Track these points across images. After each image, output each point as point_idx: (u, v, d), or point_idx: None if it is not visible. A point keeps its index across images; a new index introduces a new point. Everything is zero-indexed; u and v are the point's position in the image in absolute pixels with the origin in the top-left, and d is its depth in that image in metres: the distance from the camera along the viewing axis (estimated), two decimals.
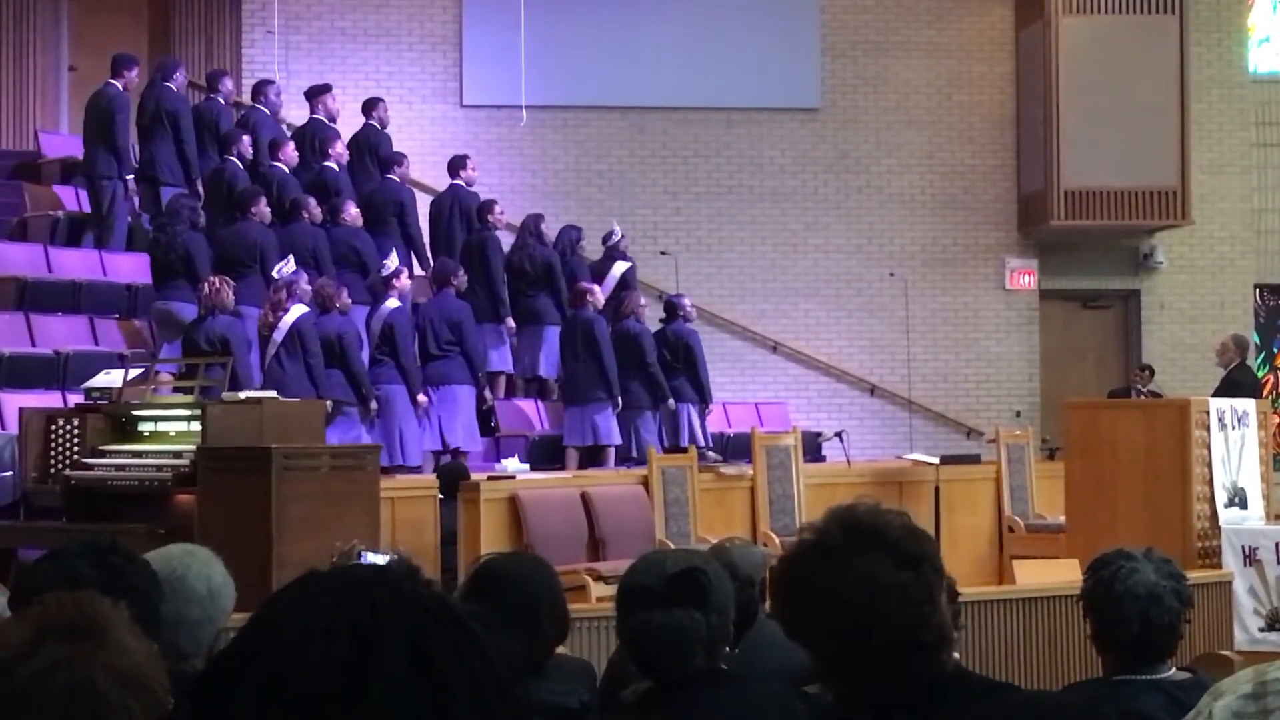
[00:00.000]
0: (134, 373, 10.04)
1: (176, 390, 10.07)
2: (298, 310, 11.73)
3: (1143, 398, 14.74)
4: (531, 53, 16.56)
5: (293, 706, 1.44)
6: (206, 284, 11.51)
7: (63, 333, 12.42)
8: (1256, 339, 17.99)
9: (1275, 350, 18.78)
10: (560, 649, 4.59)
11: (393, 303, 12.75)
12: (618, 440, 13.48)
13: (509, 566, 4.21)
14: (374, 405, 12.24)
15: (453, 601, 1.58)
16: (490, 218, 14.30)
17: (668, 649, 3.50)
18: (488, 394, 13.39)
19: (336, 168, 14.30)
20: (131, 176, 13.71)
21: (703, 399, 13.98)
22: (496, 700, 1.49)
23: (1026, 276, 17.80)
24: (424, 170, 15.95)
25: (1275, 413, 12.22)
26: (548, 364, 14.23)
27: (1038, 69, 17.30)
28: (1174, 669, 4.16)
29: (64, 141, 15.74)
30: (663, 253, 16.50)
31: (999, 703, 2.47)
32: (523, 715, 1.53)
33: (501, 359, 14.05)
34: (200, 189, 13.81)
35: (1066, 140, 17.04)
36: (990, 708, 2.44)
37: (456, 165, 14.87)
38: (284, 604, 1.53)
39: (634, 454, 13.43)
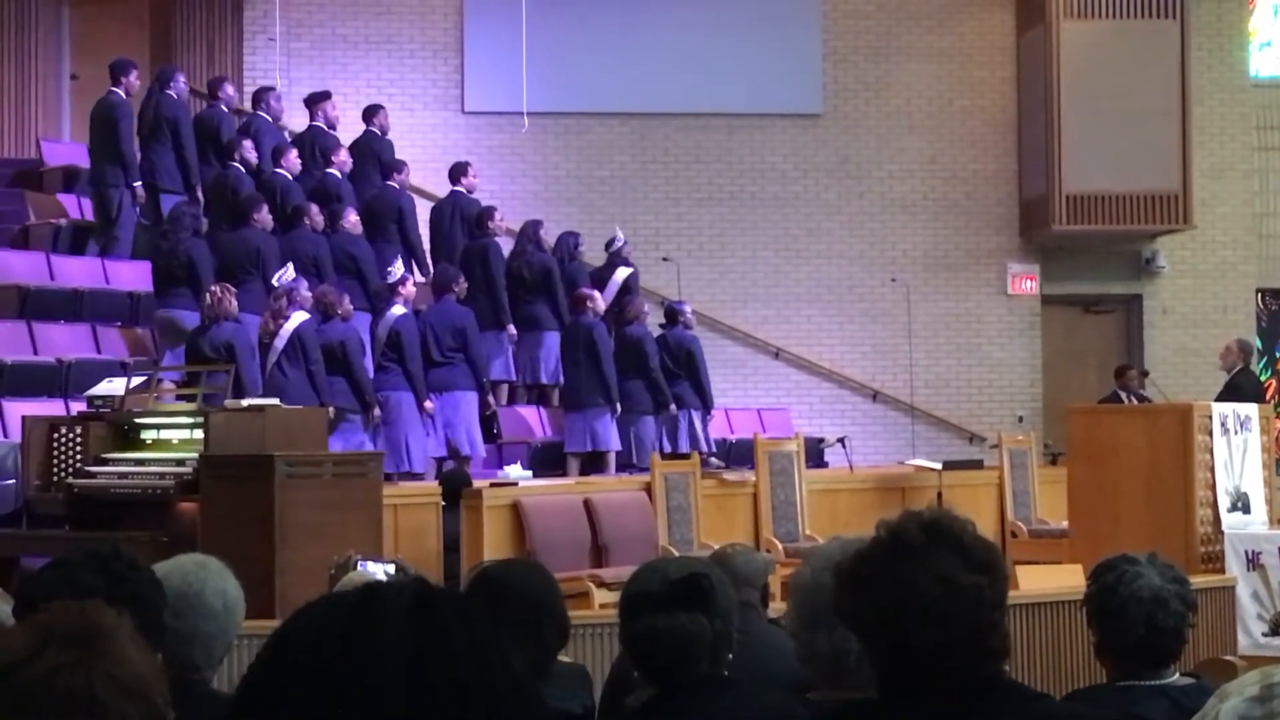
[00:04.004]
0: (136, 380, 10.04)
1: (180, 398, 10.07)
2: (299, 317, 11.72)
3: (1134, 402, 14.71)
4: (533, 59, 16.56)
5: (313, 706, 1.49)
6: (209, 293, 11.49)
7: (65, 341, 12.42)
8: (1259, 343, 17.99)
9: (1278, 354, 18.78)
10: (560, 656, 4.59)
11: (399, 309, 12.74)
12: (617, 446, 13.47)
13: (509, 574, 4.21)
14: (376, 412, 12.23)
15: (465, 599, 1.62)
16: (490, 224, 14.30)
17: (673, 653, 3.50)
18: (490, 400, 13.40)
19: (339, 175, 14.32)
20: (139, 184, 13.71)
21: (705, 405, 13.98)
22: (510, 696, 1.52)
23: (1028, 281, 17.80)
24: (425, 177, 15.96)
25: (1278, 417, 12.19)
26: (547, 370, 14.23)
27: (1039, 74, 17.31)
28: (1178, 674, 4.15)
29: (66, 149, 15.75)
30: (664, 259, 16.50)
31: (1036, 710, 2.51)
32: (536, 710, 1.56)
33: (503, 367, 14.06)
34: (200, 196, 13.82)
35: (1068, 145, 17.04)
36: (1029, 716, 2.46)
37: (458, 172, 14.89)
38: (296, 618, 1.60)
39: (634, 459, 13.43)
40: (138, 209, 13.86)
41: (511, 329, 13.98)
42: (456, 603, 1.62)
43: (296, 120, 15.41)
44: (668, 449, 13.50)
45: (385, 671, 1.56)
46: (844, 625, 2.66)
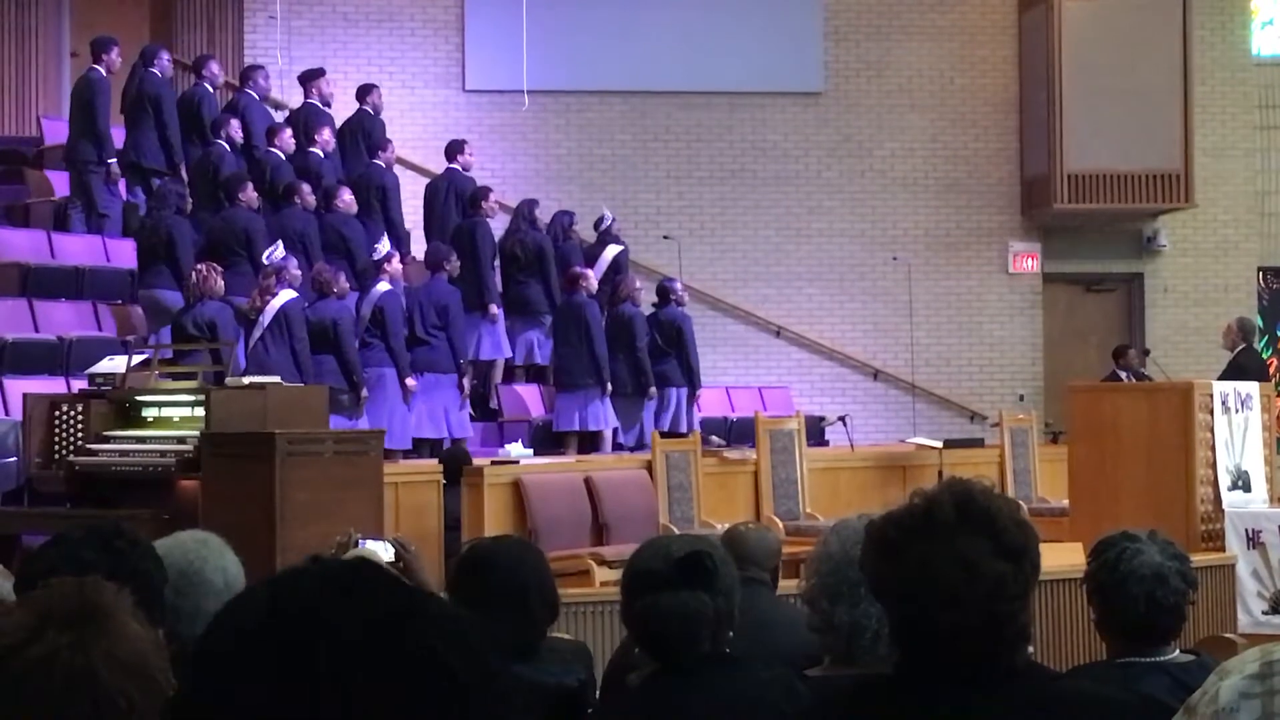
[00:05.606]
0: (138, 358, 10.04)
1: (172, 376, 10.07)
2: (286, 295, 11.68)
3: (1132, 380, 14.72)
4: (534, 37, 16.53)
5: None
6: (194, 271, 11.47)
7: (66, 318, 12.41)
8: (1260, 322, 17.98)
9: (1279, 333, 18.77)
10: (560, 633, 4.60)
11: (383, 286, 12.73)
12: (607, 426, 13.50)
13: (496, 551, 4.22)
14: (364, 393, 12.22)
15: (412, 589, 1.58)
16: (484, 204, 14.25)
17: (676, 631, 3.51)
18: (466, 382, 13.30)
19: (322, 154, 14.25)
20: (114, 161, 13.64)
21: (692, 384, 14.01)
22: (500, 676, 1.50)
23: (1030, 260, 17.79)
24: (426, 156, 15.94)
25: (1279, 396, 12.19)
26: (541, 351, 14.24)
27: (1041, 52, 17.28)
28: (1178, 651, 4.16)
29: (66, 127, 15.70)
30: (665, 237, 16.49)
31: (1051, 691, 2.49)
32: (504, 685, 1.53)
33: (494, 346, 14.02)
34: (184, 173, 13.76)
35: (1070, 123, 17.03)
36: (1036, 696, 2.45)
37: (454, 150, 14.85)
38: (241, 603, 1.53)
39: (620, 439, 13.50)
40: (116, 186, 13.78)
41: (493, 308, 13.93)
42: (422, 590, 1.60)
43: (298, 99, 15.38)
44: (651, 428, 13.51)
45: (382, 645, 1.53)
46: (866, 586, 2.63)
